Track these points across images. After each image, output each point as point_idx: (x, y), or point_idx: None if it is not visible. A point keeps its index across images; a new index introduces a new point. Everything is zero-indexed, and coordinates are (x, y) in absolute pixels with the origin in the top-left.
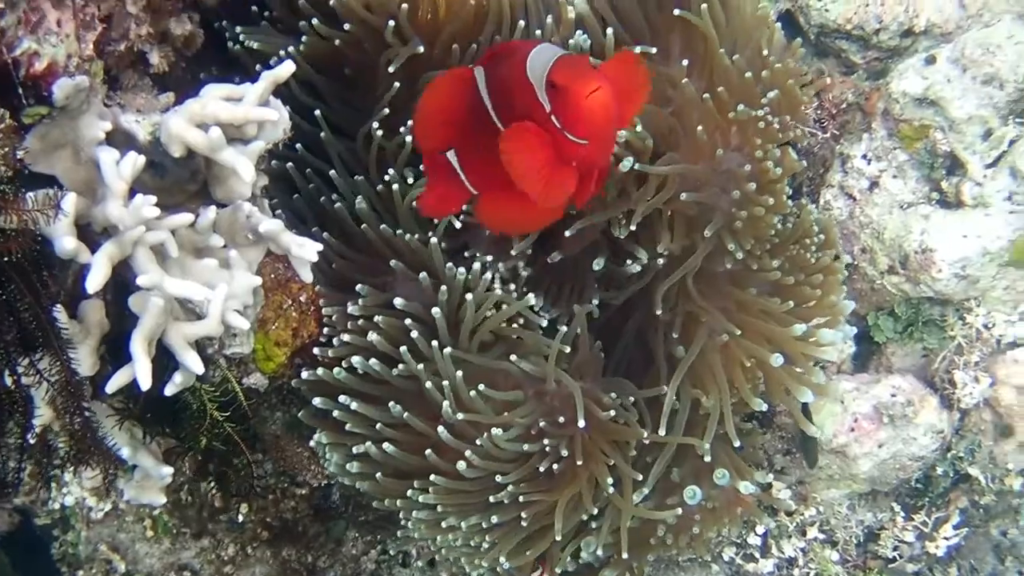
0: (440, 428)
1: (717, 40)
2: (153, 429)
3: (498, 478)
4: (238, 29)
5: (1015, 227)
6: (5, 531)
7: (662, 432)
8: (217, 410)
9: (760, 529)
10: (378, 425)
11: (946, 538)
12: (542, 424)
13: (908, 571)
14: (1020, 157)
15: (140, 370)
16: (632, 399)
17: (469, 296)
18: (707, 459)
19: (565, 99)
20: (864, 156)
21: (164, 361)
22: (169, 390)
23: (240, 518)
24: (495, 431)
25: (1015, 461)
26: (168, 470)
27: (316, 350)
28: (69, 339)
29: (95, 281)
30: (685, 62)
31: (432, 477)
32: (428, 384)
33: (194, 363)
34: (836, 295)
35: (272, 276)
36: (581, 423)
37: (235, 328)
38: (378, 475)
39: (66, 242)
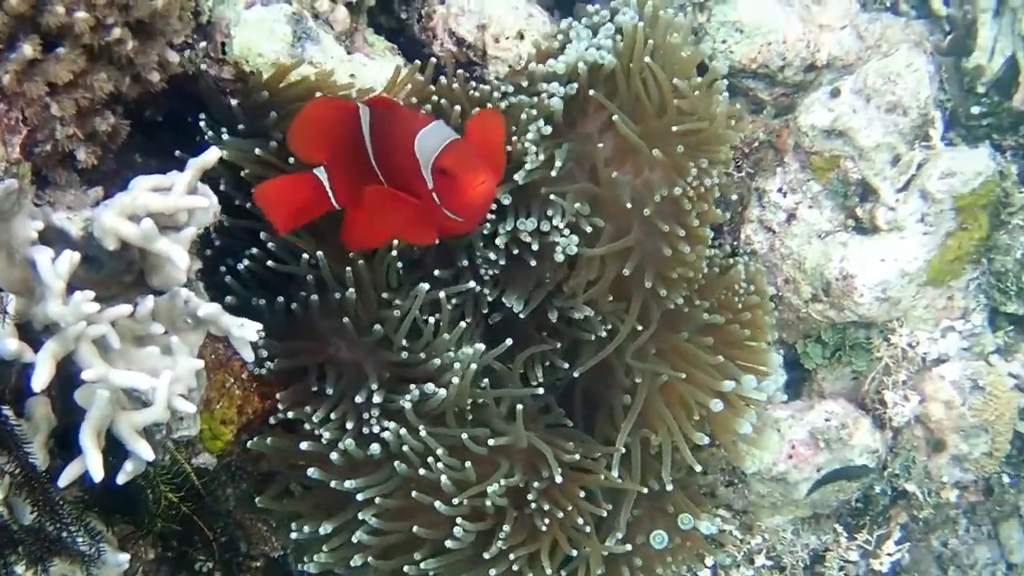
0: (437, 503)
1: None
2: (110, 518)
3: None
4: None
5: (929, 247)
6: None
7: (614, 474)
8: (170, 491)
9: (709, 561)
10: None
11: (889, 554)
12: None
13: None
14: (929, 179)
15: (92, 463)
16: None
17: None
18: (669, 489)
19: (452, 185)
20: (779, 189)
21: (114, 450)
22: (121, 479)
23: None
24: (491, 487)
25: (949, 474)
26: (125, 557)
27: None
28: (23, 435)
29: (41, 380)
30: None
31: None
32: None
33: (144, 451)
34: (765, 337)
35: (213, 356)
36: (558, 479)
37: (182, 412)
38: (369, 559)
39: (9, 344)
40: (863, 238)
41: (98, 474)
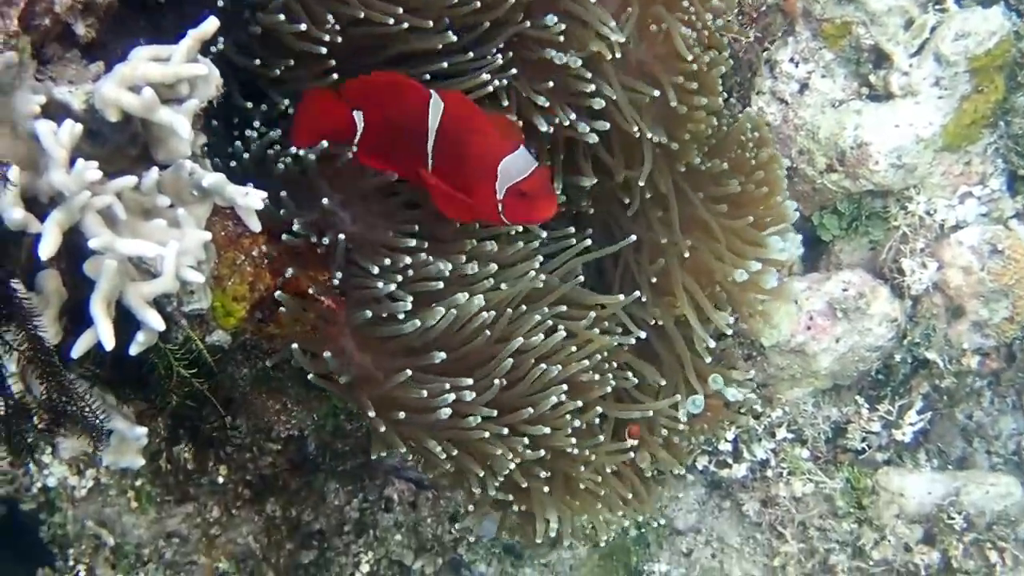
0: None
1: None
2: (122, 393)
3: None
4: None
5: (945, 112)
6: None
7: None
8: (183, 367)
9: (730, 435)
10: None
11: (911, 424)
12: None
13: (878, 460)
14: (943, 42)
15: (103, 332)
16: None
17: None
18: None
19: (527, 206)
20: (791, 59)
21: (125, 324)
22: (134, 350)
23: (220, 479)
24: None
25: (969, 341)
26: (143, 430)
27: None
28: (32, 308)
29: (47, 248)
30: None
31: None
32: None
33: (155, 320)
34: (779, 194)
35: (223, 234)
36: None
37: (191, 283)
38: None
39: (14, 213)
40: (877, 105)
41: (109, 342)
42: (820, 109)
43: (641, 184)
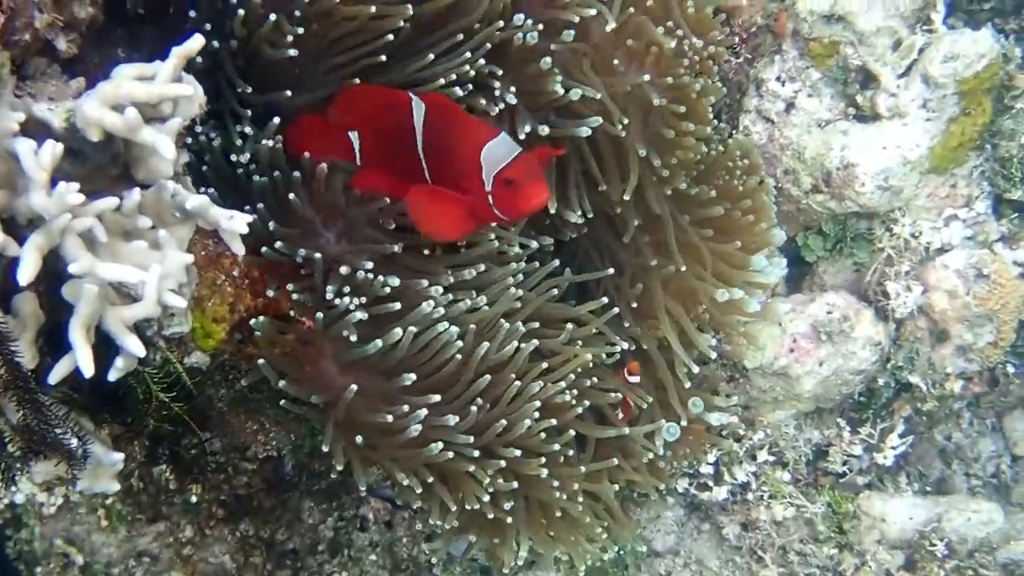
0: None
1: None
2: (99, 418)
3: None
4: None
5: (932, 134)
6: None
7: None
8: (162, 391)
9: (711, 457)
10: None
11: (893, 447)
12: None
13: (859, 484)
14: (931, 64)
15: (81, 358)
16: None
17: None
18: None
19: (516, 194)
20: (778, 78)
21: (104, 348)
22: (112, 376)
23: (194, 499)
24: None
25: (953, 365)
26: (119, 456)
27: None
28: (8, 333)
29: (27, 273)
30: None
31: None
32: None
33: (135, 346)
34: (766, 221)
35: (203, 253)
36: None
37: (172, 307)
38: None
39: None
40: (864, 126)
41: (88, 369)
42: (806, 129)
43: (627, 198)
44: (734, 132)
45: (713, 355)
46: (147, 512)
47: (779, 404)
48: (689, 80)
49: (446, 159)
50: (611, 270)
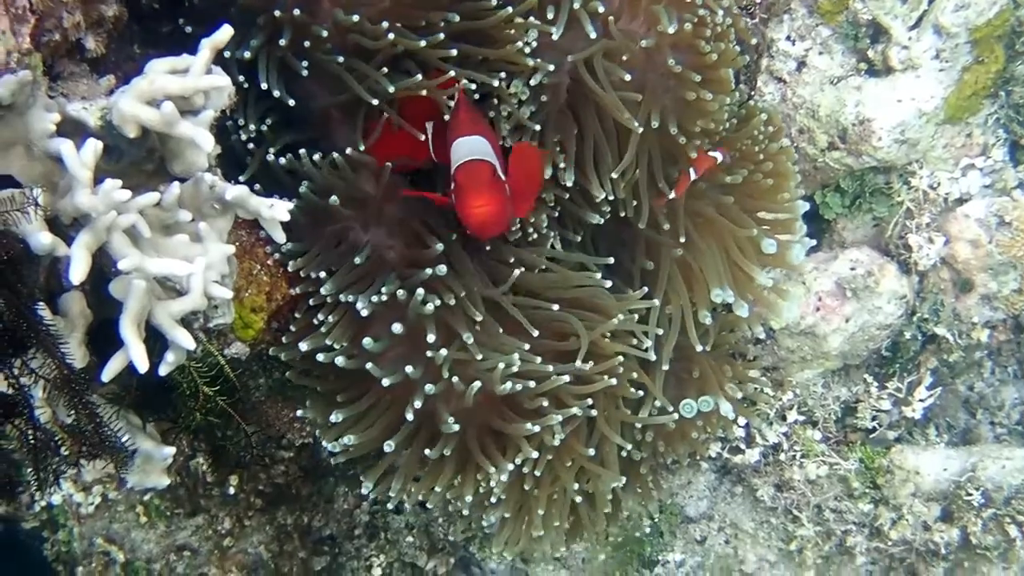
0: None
1: None
2: (147, 413)
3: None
4: None
5: (946, 84)
6: None
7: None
8: (206, 384)
9: (742, 421)
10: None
11: (921, 400)
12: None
13: (889, 438)
14: (942, 14)
15: (135, 354)
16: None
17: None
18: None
19: (458, 198)
20: (788, 37)
21: (150, 343)
22: (163, 370)
23: (231, 491)
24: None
25: (979, 314)
26: (170, 450)
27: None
28: (59, 334)
29: (78, 272)
30: None
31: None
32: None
33: (185, 340)
34: (788, 188)
35: (237, 244)
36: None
37: (218, 299)
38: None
39: (42, 237)
40: (877, 80)
41: (143, 364)
42: (819, 87)
43: (637, 173)
44: (752, 94)
45: (699, 348)
46: (185, 506)
47: (807, 363)
48: (710, 48)
49: (444, 149)
50: (611, 259)
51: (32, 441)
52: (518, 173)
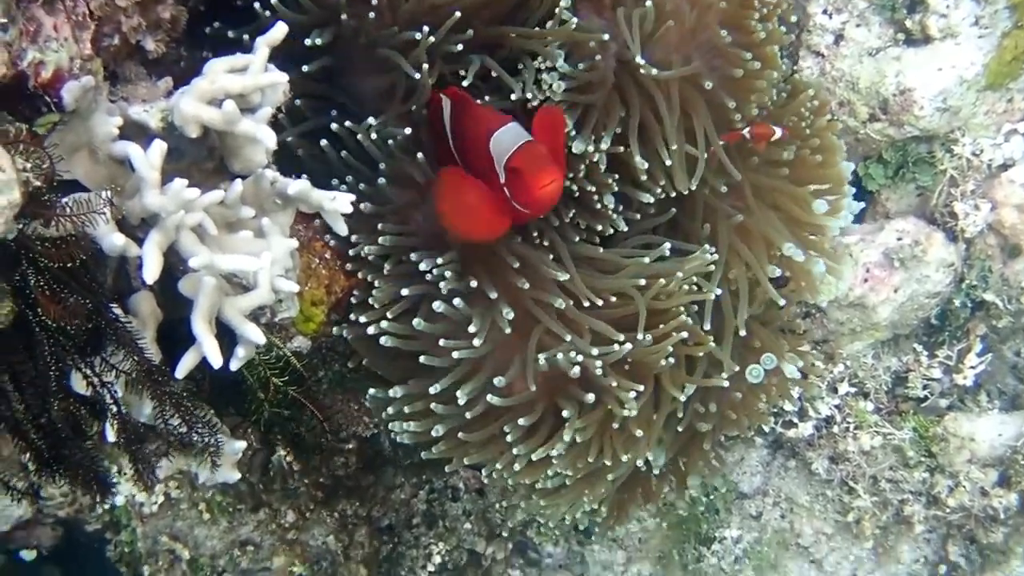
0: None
1: None
2: (218, 408)
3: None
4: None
5: (986, 50)
6: (51, 545)
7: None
8: (274, 376)
9: (795, 393)
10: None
11: (972, 367)
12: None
13: (941, 406)
14: None
15: (209, 350)
16: None
17: None
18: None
19: (523, 184)
20: (824, 11)
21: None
22: (234, 365)
23: (292, 483)
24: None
25: None
26: (241, 444)
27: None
28: (136, 331)
29: (152, 272)
30: None
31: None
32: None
33: (255, 334)
34: (836, 163)
35: (295, 239)
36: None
37: (284, 292)
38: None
39: (115, 239)
40: (916, 50)
41: (217, 360)
42: (858, 59)
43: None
44: (795, 69)
45: (782, 301)
46: (248, 501)
47: (856, 335)
48: (759, 27)
49: (468, 153)
50: (667, 245)
51: (127, 435)
52: (546, 138)
